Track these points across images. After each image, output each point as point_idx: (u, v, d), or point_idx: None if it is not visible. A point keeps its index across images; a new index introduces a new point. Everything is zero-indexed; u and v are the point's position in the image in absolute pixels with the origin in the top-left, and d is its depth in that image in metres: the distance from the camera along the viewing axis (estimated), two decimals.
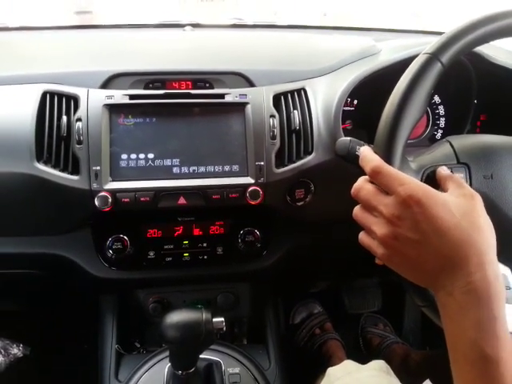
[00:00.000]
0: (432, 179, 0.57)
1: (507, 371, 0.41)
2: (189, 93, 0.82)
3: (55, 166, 0.75)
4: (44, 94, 0.78)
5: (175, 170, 0.78)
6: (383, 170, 0.49)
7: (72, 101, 0.78)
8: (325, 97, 0.83)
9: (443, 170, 0.56)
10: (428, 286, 0.49)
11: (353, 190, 0.53)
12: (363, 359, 0.83)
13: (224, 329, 0.68)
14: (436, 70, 0.55)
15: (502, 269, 0.56)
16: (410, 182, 0.47)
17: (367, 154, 0.54)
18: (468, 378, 0.43)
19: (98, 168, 0.75)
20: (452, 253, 0.44)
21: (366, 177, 0.52)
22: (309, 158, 0.80)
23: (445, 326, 0.46)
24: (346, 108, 0.95)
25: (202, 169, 0.79)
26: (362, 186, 0.52)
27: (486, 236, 0.46)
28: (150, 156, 0.78)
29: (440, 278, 0.45)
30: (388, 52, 0.91)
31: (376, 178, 0.50)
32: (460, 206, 0.46)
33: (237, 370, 0.81)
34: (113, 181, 0.76)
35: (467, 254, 0.44)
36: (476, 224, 0.45)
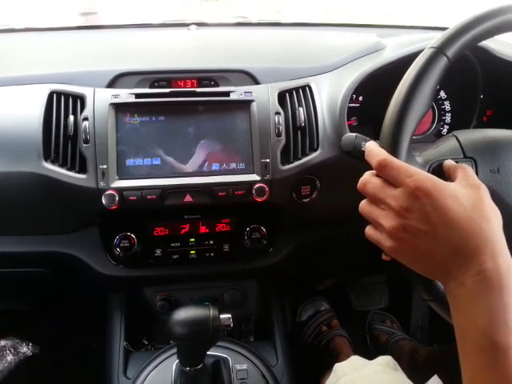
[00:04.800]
0: (438, 173, 0.56)
1: None
2: (194, 91, 0.82)
3: (62, 165, 0.76)
4: (51, 94, 0.78)
5: (181, 167, 0.79)
6: (390, 163, 0.49)
7: (78, 100, 0.79)
8: (330, 93, 0.83)
9: (450, 161, 0.56)
10: (438, 277, 0.49)
11: (359, 184, 0.53)
12: (370, 356, 0.83)
13: (231, 325, 0.69)
14: (441, 64, 0.55)
15: None
16: (417, 174, 0.47)
17: (373, 148, 0.54)
18: (477, 366, 0.42)
19: (105, 166, 0.75)
20: (463, 243, 0.44)
21: (372, 171, 0.52)
22: (314, 154, 0.80)
23: (454, 316, 0.46)
24: (352, 104, 0.95)
25: (208, 166, 0.79)
26: (368, 179, 0.52)
27: (495, 226, 0.46)
28: (156, 154, 0.78)
29: (451, 269, 0.45)
30: (393, 48, 0.91)
31: (383, 171, 0.50)
32: (468, 196, 0.47)
33: (244, 367, 0.82)
34: (120, 179, 0.76)
35: (478, 245, 0.44)
36: (485, 215, 0.46)
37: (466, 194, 0.47)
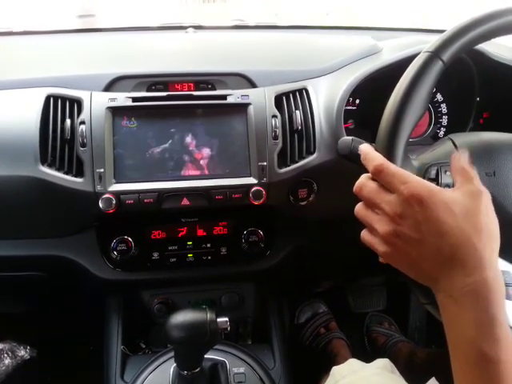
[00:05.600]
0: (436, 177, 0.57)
1: (507, 372, 0.41)
2: (191, 94, 0.82)
3: (59, 169, 0.76)
4: (48, 98, 0.78)
5: (178, 171, 0.79)
6: (386, 168, 0.49)
7: (75, 104, 0.79)
8: (327, 96, 0.84)
9: (457, 161, 0.50)
10: (428, 285, 0.49)
11: (355, 188, 0.53)
12: (368, 358, 0.83)
13: (228, 328, 0.69)
14: (437, 68, 0.55)
15: (505, 266, 0.56)
16: (412, 181, 0.47)
17: (369, 152, 0.54)
18: (468, 378, 0.43)
19: (102, 170, 0.75)
20: (450, 254, 0.44)
21: (369, 174, 0.52)
22: (311, 157, 0.80)
23: (445, 326, 0.46)
24: (348, 107, 0.95)
25: (205, 170, 0.79)
26: (364, 183, 0.52)
27: (488, 238, 0.45)
28: (153, 157, 0.78)
29: (440, 279, 0.45)
30: (389, 51, 0.91)
31: (379, 176, 0.50)
32: (463, 205, 0.45)
33: (242, 370, 0.82)
34: (117, 183, 0.76)
35: (465, 257, 0.44)
36: (477, 226, 0.44)
37: (461, 203, 0.45)
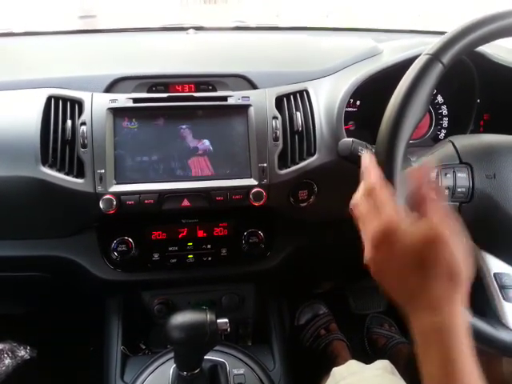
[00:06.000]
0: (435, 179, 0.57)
1: None
2: (192, 96, 0.82)
3: (60, 170, 0.76)
4: (49, 99, 0.78)
5: (179, 172, 0.79)
6: (376, 190, 0.51)
7: (76, 105, 0.79)
8: (327, 98, 0.84)
9: (413, 193, 0.49)
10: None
11: (351, 204, 0.54)
12: (369, 360, 0.83)
13: (228, 329, 0.69)
14: (437, 70, 0.55)
15: (504, 267, 0.56)
16: (390, 213, 0.48)
17: (367, 167, 0.54)
18: None
19: (103, 171, 0.76)
20: (412, 293, 0.46)
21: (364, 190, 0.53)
22: (312, 159, 0.80)
23: (418, 358, 0.46)
24: (349, 109, 0.96)
25: (206, 171, 0.79)
26: (358, 202, 0.53)
27: (446, 279, 0.45)
28: (154, 158, 0.78)
29: (408, 313, 0.47)
30: (390, 53, 0.91)
31: (369, 195, 0.51)
32: (418, 250, 0.46)
33: (241, 371, 0.82)
34: (117, 183, 0.76)
35: (425, 297, 0.45)
36: (430, 272, 0.45)
37: (416, 248, 0.46)
